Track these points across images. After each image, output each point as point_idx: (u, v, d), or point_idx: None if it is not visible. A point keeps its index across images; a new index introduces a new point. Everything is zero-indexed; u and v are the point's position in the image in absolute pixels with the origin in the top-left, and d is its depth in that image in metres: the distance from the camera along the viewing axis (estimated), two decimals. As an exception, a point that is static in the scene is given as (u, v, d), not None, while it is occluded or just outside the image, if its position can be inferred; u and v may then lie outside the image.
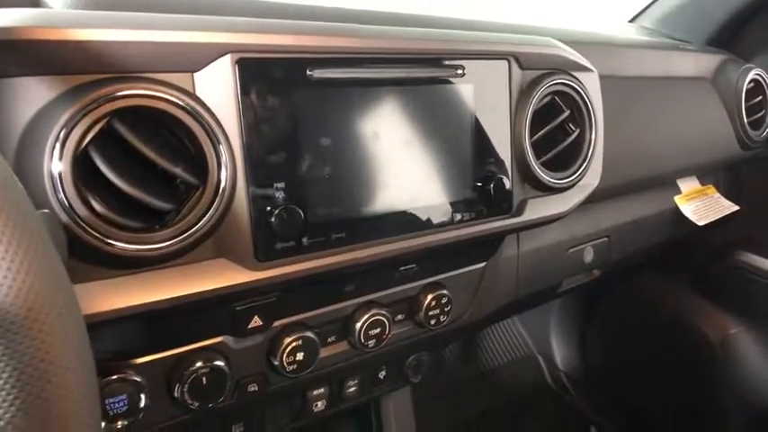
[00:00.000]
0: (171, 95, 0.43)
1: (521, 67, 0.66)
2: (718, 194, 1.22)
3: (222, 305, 0.53)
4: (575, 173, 0.73)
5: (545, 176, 0.69)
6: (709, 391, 1.33)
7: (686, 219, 1.11)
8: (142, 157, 0.43)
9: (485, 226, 0.64)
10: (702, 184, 1.21)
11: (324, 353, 0.62)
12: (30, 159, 0.39)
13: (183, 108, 0.44)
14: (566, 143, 0.72)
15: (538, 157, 0.69)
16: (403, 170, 0.58)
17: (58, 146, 0.39)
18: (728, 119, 1.15)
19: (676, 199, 1.13)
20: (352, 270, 0.57)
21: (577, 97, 0.72)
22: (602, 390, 1.58)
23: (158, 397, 0.53)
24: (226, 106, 0.46)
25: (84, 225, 0.40)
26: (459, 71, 0.60)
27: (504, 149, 0.66)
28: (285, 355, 0.58)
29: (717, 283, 1.37)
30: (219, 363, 0.55)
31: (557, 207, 0.72)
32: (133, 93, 0.42)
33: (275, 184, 0.49)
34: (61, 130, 0.39)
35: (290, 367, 0.59)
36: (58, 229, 0.38)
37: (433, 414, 1.39)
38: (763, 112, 1.22)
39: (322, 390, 0.72)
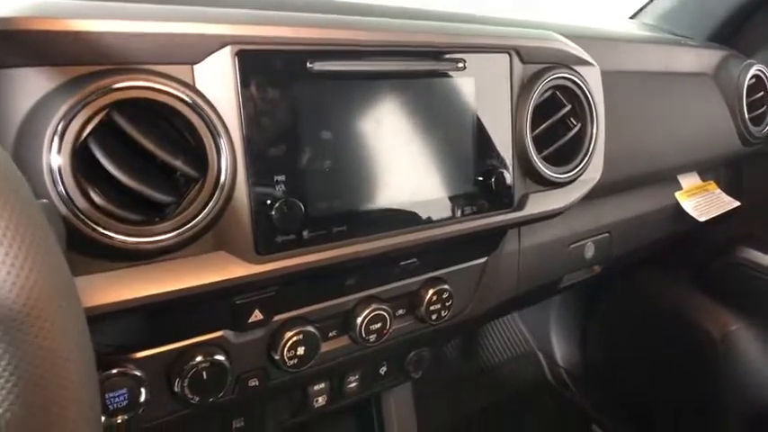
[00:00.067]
0: (170, 87, 0.43)
1: (522, 60, 0.66)
2: (719, 190, 1.21)
3: (222, 299, 0.52)
4: (576, 167, 0.72)
5: (546, 171, 0.69)
6: (709, 388, 1.33)
7: (687, 215, 1.11)
8: (142, 150, 0.43)
9: (486, 220, 0.64)
10: (703, 179, 1.21)
11: (325, 347, 0.62)
12: (28, 151, 0.39)
13: (182, 100, 0.43)
14: (567, 137, 0.71)
15: (539, 151, 0.68)
16: (404, 164, 0.57)
17: (57, 137, 0.39)
18: (730, 115, 1.15)
19: (677, 195, 1.12)
20: (352, 264, 0.56)
21: (579, 91, 0.72)
22: (603, 386, 1.58)
23: (158, 391, 0.53)
24: (226, 99, 0.46)
25: (83, 217, 0.40)
26: (460, 65, 0.60)
27: (505, 144, 0.65)
28: (286, 349, 0.58)
29: (718, 279, 1.37)
30: (220, 357, 0.54)
31: (558, 202, 0.72)
32: (132, 85, 0.42)
33: (275, 177, 0.49)
34: (60, 122, 0.39)
35: (291, 362, 0.58)
36: (57, 221, 0.38)
37: (434, 410, 1.39)
38: (765, 107, 1.21)
39: (323, 385, 0.72)
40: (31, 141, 0.39)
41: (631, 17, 1.38)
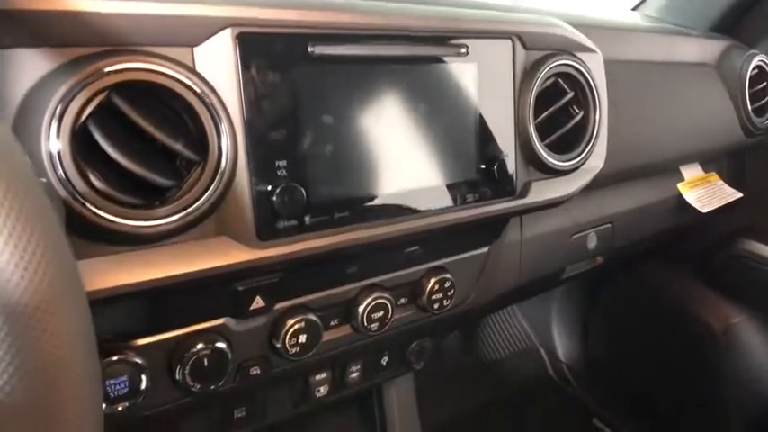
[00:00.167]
0: (170, 70, 0.42)
1: (524, 47, 0.66)
2: (721, 182, 1.21)
3: (224, 285, 0.52)
4: (579, 155, 0.72)
5: (549, 158, 0.68)
6: (711, 381, 1.33)
7: (689, 206, 1.10)
8: (142, 133, 0.43)
9: (488, 208, 0.64)
10: (705, 171, 1.20)
11: (326, 336, 0.62)
12: (27, 132, 0.39)
13: (182, 83, 0.43)
14: (570, 125, 0.71)
15: (542, 139, 0.68)
16: (406, 150, 0.57)
17: (55, 119, 0.38)
18: (732, 105, 1.14)
19: (680, 186, 1.12)
20: (354, 251, 0.56)
21: (581, 78, 0.71)
22: (605, 381, 1.58)
23: (159, 379, 0.52)
24: (226, 82, 0.46)
25: (82, 200, 0.40)
26: (463, 50, 0.59)
27: (507, 131, 0.65)
28: (288, 337, 0.57)
29: (720, 271, 1.36)
30: (221, 345, 0.54)
31: (561, 190, 0.72)
32: (132, 67, 0.41)
33: (277, 162, 0.48)
34: (59, 103, 0.39)
35: (293, 350, 0.58)
36: (58, 202, 0.37)
37: (435, 405, 1.39)
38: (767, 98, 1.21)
39: (324, 375, 0.72)
40: (29, 123, 0.39)
41: (633, 8, 1.37)
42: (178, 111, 0.45)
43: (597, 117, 0.73)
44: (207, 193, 0.45)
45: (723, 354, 1.30)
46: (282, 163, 0.49)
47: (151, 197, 0.44)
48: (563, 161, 0.70)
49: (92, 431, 0.28)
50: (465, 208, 0.62)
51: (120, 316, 0.49)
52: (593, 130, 0.73)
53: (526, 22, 0.66)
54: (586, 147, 0.72)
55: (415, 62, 0.56)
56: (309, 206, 0.51)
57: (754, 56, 1.16)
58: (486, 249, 0.76)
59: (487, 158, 0.63)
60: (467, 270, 0.74)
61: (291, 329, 0.57)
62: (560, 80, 0.70)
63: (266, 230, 0.49)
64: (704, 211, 1.11)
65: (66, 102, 0.39)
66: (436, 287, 0.68)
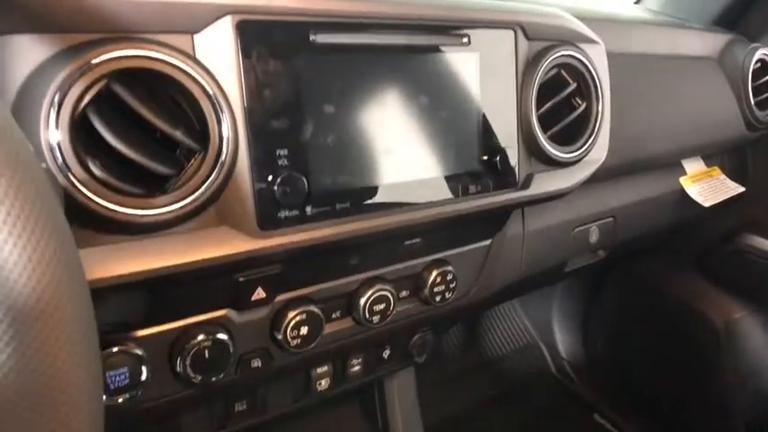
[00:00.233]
0: (170, 57, 0.42)
1: (527, 37, 0.65)
2: (723, 176, 1.20)
3: (225, 276, 0.52)
4: (582, 147, 0.72)
5: (552, 150, 0.68)
6: (713, 376, 1.33)
7: (691, 200, 1.10)
8: (142, 122, 0.42)
9: (491, 199, 0.63)
10: (708, 165, 1.20)
11: (328, 329, 0.61)
12: (26, 119, 0.38)
13: (182, 70, 0.43)
14: (573, 116, 0.71)
15: (544, 130, 0.68)
16: (408, 140, 0.56)
17: (54, 106, 0.38)
18: (735, 99, 1.13)
19: (682, 180, 1.11)
20: (356, 242, 0.56)
21: (584, 70, 0.71)
22: (606, 376, 1.58)
23: (160, 371, 0.52)
24: (227, 70, 0.45)
25: (81, 188, 0.39)
26: (465, 39, 0.59)
27: (510, 122, 0.65)
28: (289, 329, 0.57)
29: (721, 266, 1.36)
30: (222, 336, 0.54)
31: (563, 182, 0.71)
32: (131, 54, 0.41)
33: (278, 151, 0.48)
34: (57, 90, 0.38)
35: (294, 342, 0.58)
36: (57, 188, 0.37)
37: (436, 402, 1.38)
38: (770, 92, 1.20)
39: (326, 368, 0.72)
40: (28, 109, 0.38)
41: (636, 2, 1.37)
42: (178, 99, 0.44)
43: (600, 108, 0.73)
44: (207, 183, 0.44)
45: (724, 349, 1.30)
46: (284, 152, 0.48)
47: (152, 187, 0.43)
48: (565, 153, 0.70)
49: (93, 422, 0.28)
50: (467, 199, 0.61)
51: (120, 307, 0.49)
52: (595, 121, 0.72)
53: (528, 12, 0.66)
54: (589, 138, 0.72)
55: (417, 51, 0.56)
56: (311, 196, 0.50)
57: (756, 49, 1.15)
58: (488, 242, 0.76)
59: (490, 149, 0.63)
60: (469, 263, 0.74)
61: (293, 321, 0.57)
62: (563, 71, 0.70)
63: (267, 220, 0.48)
64: (706, 205, 1.10)
65: (65, 88, 0.38)
66: (438, 280, 0.68)
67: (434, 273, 0.67)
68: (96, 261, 0.41)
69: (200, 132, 0.44)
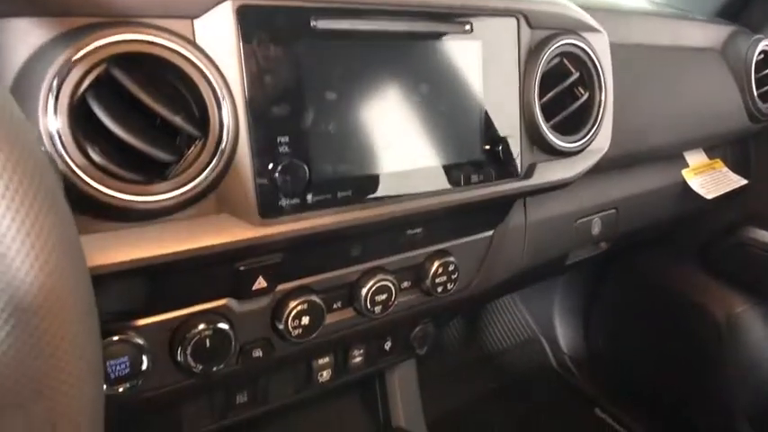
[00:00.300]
0: (170, 41, 0.42)
1: (530, 25, 0.65)
2: (725, 168, 1.20)
3: (225, 264, 0.51)
4: (584, 136, 0.71)
5: (555, 140, 0.67)
6: (714, 370, 1.32)
7: (694, 193, 1.09)
8: (142, 108, 0.42)
9: (493, 188, 0.63)
10: (710, 158, 1.19)
11: (329, 319, 0.61)
12: (24, 104, 0.38)
13: (182, 56, 0.42)
14: (575, 105, 0.70)
15: (547, 120, 0.67)
16: (409, 129, 0.56)
17: (53, 90, 0.38)
18: (738, 91, 1.13)
19: (684, 172, 1.11)
20: (357, 231, 0.55)
21: (587, 58, 0.70)
22: (607, 371, 1.57)
23: (161, 360, 0.52)
24: (227, 55, 0.45)
25: (82, 175, 0.39)
26: (467, 27, 0.58)
27: (512, 111, 0.64)
28: (290, 318, 0.57)
29: (723, 260, 1.35)
30: (223, 326, 0.53)
31: (566, 172, 0.71)
32: (130, 38, 0.40)
33: (279, 138, 0.48)
34: (56, 74, 0.38)
35: (296, 331, 0.57)
36: (58, 173, 0.37)
37: (437, 396, 1.39)
38: (773, 84, 1.20)
39: (327, 359, 0.71)
40: (26, 94, 0.38)
41: (638, -6, 1.36)
42: (178, 85, 0.44)
43: (603, 98, 0.72)
44: (207, 169, 0.44)
45: (726, 343, 1.30)
46: (284, 139, 0.48)
47: (151, 173, 0.43)
48: (568, 142, 0.69)
49: (93, 412, 0.28)
50: (469, 188, 0.61)
51: (120, 295, 0.48)
52: (598, 111, 0.72)
53: (531, 0, 0.65)
54: (592, 128, 0.72)
55: (418, 38, 0.55)
56: (312, 184, 0.50)
57: (759, 41, 1.15)
58: (490, 233, 0.76)
59: (492, 139, 0.62)
60: (471, 254, 0.73)
61: (294, 311, 0.57)
62: (566, 60, 0.69)
63: (268, 208, 0.48)
64: (709, 197, 1.10)
65: (63, 72, 0.38)
66: (440, 270, 0.67)
67: (436, 263, 0.67)
68: (96, 248, 0.41)
69: (201, 119, 0.44)
